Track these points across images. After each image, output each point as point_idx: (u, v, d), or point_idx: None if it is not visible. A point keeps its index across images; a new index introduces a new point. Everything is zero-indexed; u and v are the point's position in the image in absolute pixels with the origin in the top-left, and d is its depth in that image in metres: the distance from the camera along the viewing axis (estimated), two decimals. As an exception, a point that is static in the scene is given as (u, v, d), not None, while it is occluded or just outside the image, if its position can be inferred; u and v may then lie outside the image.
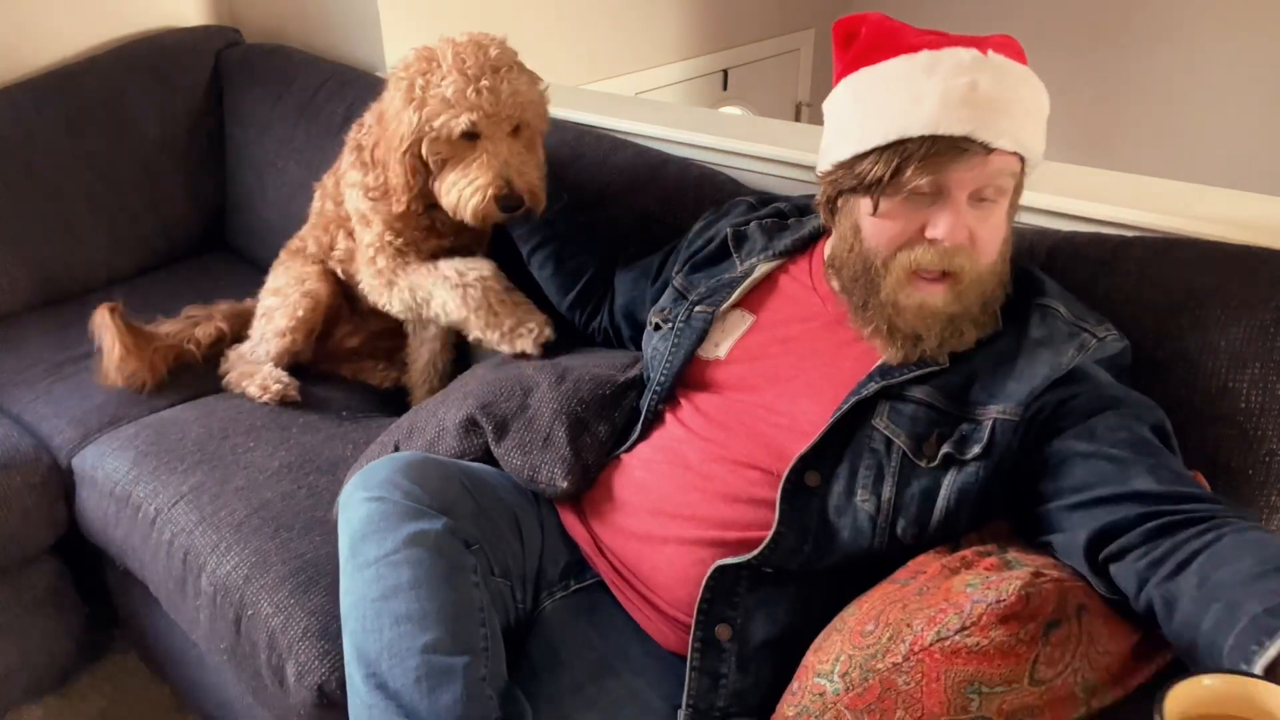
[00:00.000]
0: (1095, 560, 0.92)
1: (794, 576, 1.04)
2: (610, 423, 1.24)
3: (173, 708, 1.75)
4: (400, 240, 1.52)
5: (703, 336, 1.21)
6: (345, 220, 1.63)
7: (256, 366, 1.67)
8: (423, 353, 1.70)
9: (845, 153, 1.07)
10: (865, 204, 1.06)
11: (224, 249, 2.31)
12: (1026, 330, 1.06)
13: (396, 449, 1.30)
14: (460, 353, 1.74)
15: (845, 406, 1.05)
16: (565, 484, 1.18)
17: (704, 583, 1.03)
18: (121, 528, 1.50)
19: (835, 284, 1.14)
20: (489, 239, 1.64)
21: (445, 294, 1.47)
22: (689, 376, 1.21)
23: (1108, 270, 1.18)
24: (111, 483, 1.52)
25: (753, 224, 1.31)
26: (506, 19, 2.32)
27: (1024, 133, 1.02)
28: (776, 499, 1.04)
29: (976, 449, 1.01)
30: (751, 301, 1.23)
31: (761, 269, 1.24)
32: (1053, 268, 1.20)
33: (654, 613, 1.12)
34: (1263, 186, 1.37)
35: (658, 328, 1.28)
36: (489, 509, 1.13)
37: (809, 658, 0.97)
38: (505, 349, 1.45)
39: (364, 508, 1.07)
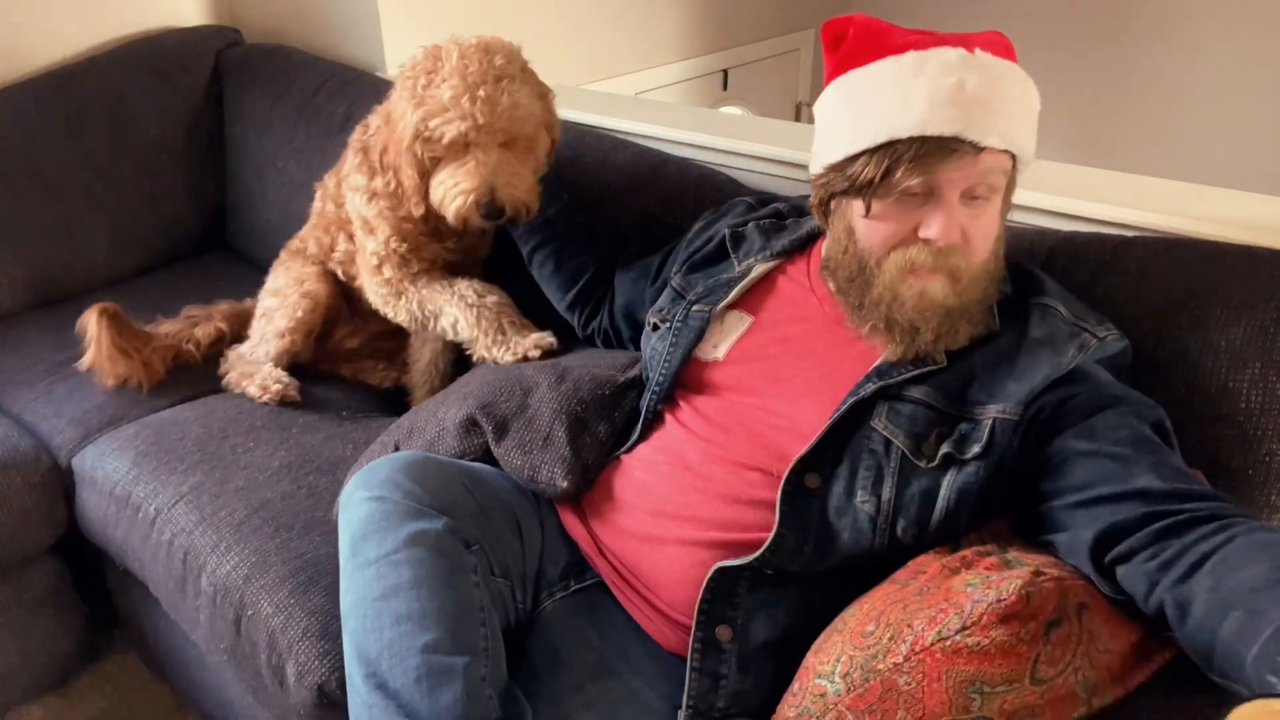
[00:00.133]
0: (1101, 562, 0.92)
1: (794, 578, 1.04)
2: (610, 423, 1.24)
3: (173, 708, 1.75)
4: (405, 246, 1.52)
5: (700, 336, 1.21)
6: (346, 222, 1.63)
7: (256, 366, 1.67)
8: (425, 352, 1.70)
9: (836, 155, 1.07)
10: (858, 206, 1.06)
11: (224, 249, 2.31)
12: (1027, 329, 1.06)
13: (397, 449, 1.30)
14: (461, 353, 1.74)
15: (844, 407, 1.05)
16: (565, 483, 1.18)
17: (704, 584, 1.03)
18: (121, 528, 1.50)
19: (831, 285, 1.14)
20: (491, 240, 1.64)
21: (458, 312, 1.49)
22: (688, 378, 1.21)
23: (1108, 270, 1.18)
24: (111, 483, 1.52)
25: (750, 224, 1.31)
26: (506, 19, 2.33)
27: (1014, 130, 1.02)
28: (777, 500, 1.04)
29: (976, 448, 1.01)
30: (749, 302, 1.23)
31: (759, 269, 1.24)
32: (1053, 268, 1.20)
33: (654, 613, 1.12)
34: (1263, 186, 1.37)
35: (656, 328, 1.28)
36: (489, 509, 1.13)
37: (810, 659, 0.97)
38: (508, 360, 1.45)
39: (364, 507, 1.07)
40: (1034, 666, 0.84)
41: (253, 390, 1.64)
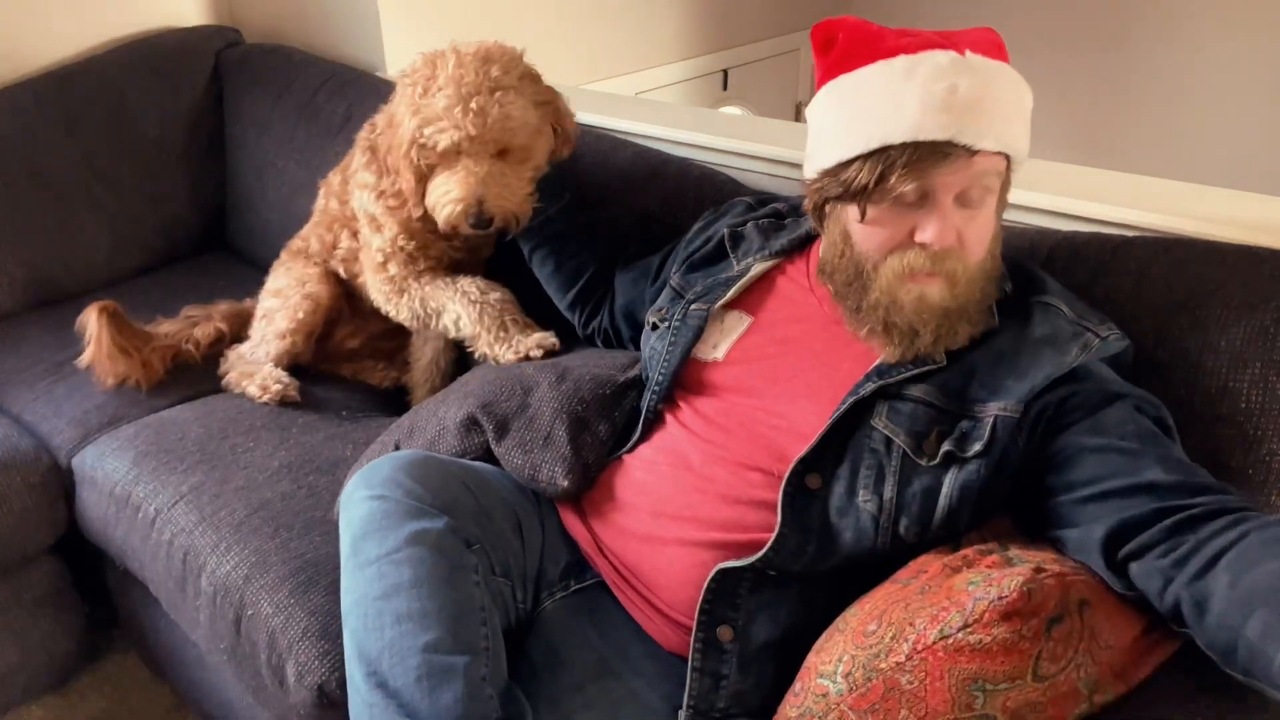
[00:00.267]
0: (1113, 558, 0.92)
1: (796, 578, 1.04)
2: (611, 422, 1.24)
3: (173, 708, 1.75)
4: (413, 244, 1.53)
5: (699, 335, 1.21)
6: (350, 220, 1.63)
7: (256, 366, 1.67)
8: (426, 351, 1.70)
9: (829, 160, 1.07)
10: (853, 211, 1.06)
11: (224, 249, 2.31)
12: (1028, 327, 1.06)
13: (397, 448, 1.30)
14: (462, 352, 1.74)
15: (843, 407, 1.05)
16: (566, 483, 1.18)
17: (706, 585, 1.03)
18: (121, 528, 1.50)
19: (829, 287, 1.14)
20: (494, 239, 1.64)
21: (461, 309, 1.49)
22: (688, 378, 1.21)
23: (1108, 270, 1.18)
24: (111, 483, 1.52)
25: (749, 224, 1.32)
26: (506, 19, 2.33)
27: (1007, 132, 1.02)
28: (778, 501, 1.04)
29: (977, 446, 1.01)
30: (749, 302, 1.23)
31: (758, 268, 1.24)
32: (1053, 268, 1.20)
33: (655, 613, 1.12)
34: (1263, 186, 1.37)
35: (655, 327, 1.28)
36: (490, 508, 1.13)
37: (811, 658, 0.97)
38: (510, 359, 1.45)
39: (365, 506, 1.07)
40: (1036, 663, 0.84)
41: (253, 390, 1.64)
